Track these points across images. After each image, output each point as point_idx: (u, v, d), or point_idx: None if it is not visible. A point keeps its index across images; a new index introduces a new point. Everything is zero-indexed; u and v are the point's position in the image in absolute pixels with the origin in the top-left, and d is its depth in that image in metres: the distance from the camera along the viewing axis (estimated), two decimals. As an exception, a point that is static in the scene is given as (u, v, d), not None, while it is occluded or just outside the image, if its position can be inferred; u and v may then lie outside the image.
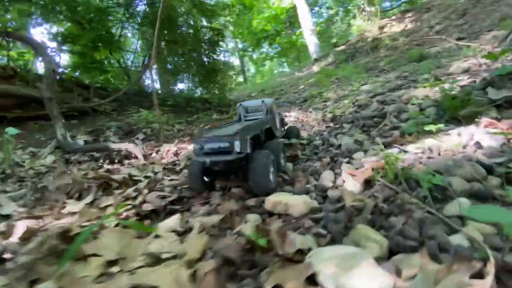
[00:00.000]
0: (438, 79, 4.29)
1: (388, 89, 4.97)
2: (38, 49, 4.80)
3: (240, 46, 32.47)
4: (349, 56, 11.87)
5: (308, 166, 2.31)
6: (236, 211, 1.66)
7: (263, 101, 2.79)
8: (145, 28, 7.18)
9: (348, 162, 2.20)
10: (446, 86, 2.86)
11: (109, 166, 3.43)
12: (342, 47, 13.44)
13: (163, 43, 7.24)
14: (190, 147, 4.14)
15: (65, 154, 3.89)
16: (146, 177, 2.46)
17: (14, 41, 5.59)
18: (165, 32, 7.06)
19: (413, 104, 3.48)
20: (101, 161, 3.70)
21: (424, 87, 4.00)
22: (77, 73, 7.18)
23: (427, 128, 2.26)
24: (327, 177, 1.97)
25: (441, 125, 2.26)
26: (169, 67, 7.94)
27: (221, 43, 8.38)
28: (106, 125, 5.33)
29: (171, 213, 1.81)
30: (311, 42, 17.00)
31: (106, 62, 7.56)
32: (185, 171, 2.71)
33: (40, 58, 4.85)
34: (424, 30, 9.96)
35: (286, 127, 3.28)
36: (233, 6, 26.66)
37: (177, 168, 2.88)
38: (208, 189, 2.09)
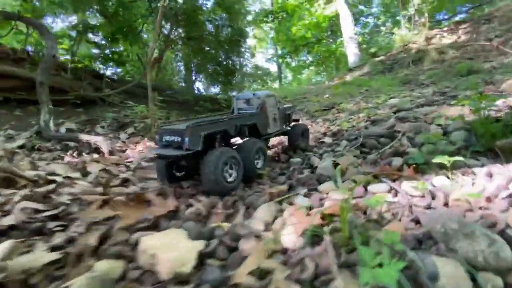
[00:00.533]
0: (483, 96, 3.33)
1: (417, 104, 4.07)
2: (44, 34, 4.82)
3: (280, 52, 32.00)
4: (387, 68, 10.71)
5: (254, 192, 1.68)
6: (97, 249, 1.12)
7: (254, 94, 2.53)
8: (164, 23, 7.06)
9: (306, 195, 1.53)
10: (484, 104, 2.02)
11: (70, 158, 3.12)
12: (381, 58, 12.25)
13: (178, 39, 7.04)
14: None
15: (42, 140, 3.72)
16: (67, 177, 2.05)
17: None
18: (182, 29, 6.86)
19: (439, 125, 2.64)
20: (69, 151, 3.43)
21: (462, 104, 3.08)
22: (98, 64, 7.31)
23: (436, 160, 1.50)
24: (260, 216, 1.33)
25: (460, 158, 1.48)
26: (192, 64, 7.76)
27: (248, 45, 8.00)
28: (103, 115, 5.18)
29: (38, 232, 1.33)
30: (351, 52, 15.89)
31: (125, 54, 7.63)
32: (123, 175, 2.24)
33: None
34: (480, 42, 8.54)
35: (291, 125, 2.93)
36: (277, 13, 26.49)
37: (122, 170, 2.42)
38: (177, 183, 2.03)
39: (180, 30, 6.99)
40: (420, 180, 1.52)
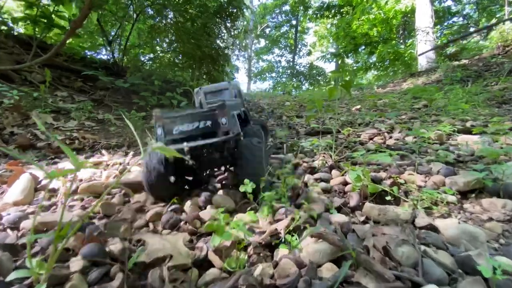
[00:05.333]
0: None
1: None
2: None
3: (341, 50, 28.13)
4: (471, 76, 7.05)
5: None
6: None
7: (229, 82, 2.32)
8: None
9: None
10: None
11: None
12: (463, 61, 8.44)
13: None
14: None
15: None
16: None
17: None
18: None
19: None
20: None
21: None
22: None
23: None
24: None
25: None
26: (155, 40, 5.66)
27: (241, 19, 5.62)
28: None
29: None
30: (424, 55, 11.94)
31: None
32: None
33: None
34: None
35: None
36: (341, 6, 22.97)
37: None
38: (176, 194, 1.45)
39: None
40: None
